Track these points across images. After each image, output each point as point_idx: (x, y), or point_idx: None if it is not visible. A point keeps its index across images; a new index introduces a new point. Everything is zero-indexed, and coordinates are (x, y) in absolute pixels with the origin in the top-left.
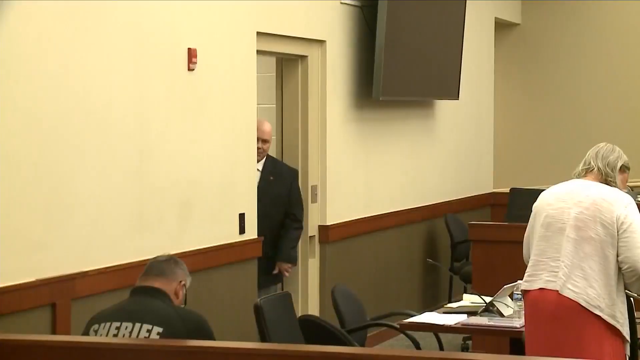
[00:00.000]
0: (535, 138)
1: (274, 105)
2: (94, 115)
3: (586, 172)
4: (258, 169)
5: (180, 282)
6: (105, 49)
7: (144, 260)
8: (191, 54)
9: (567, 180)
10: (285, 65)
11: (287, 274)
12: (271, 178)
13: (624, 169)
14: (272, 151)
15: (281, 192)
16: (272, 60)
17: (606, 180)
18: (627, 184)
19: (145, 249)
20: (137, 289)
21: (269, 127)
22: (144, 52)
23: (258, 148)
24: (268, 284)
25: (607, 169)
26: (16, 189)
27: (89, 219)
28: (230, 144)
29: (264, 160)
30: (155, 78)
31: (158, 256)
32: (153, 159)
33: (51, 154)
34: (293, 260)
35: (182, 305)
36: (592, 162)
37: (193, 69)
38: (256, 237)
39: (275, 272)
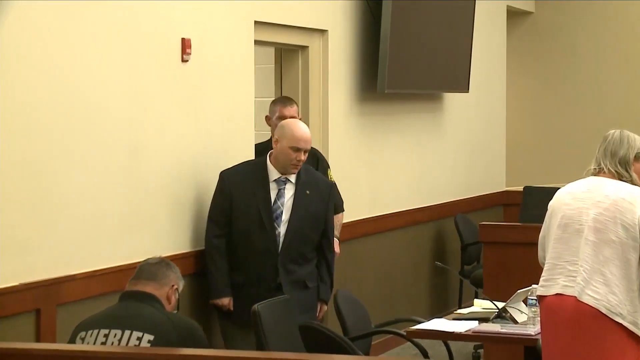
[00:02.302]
0: (550, 133)
1: (273, 99)
2: (81, 110)
3: (599, 172)
4: (289, 180)
5: (173, 286)
6: (93, 40)
7: (134, 263)
8: (185, 45)
9: (584, 178)
10: (285, 56)
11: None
12: (307, 192)
13: (639, 157)
14: None
15: (319, 210)
16: (271, 51)
17: (620, 180)
18: None
19: (135, 251)
20: (126, 293)
21: (308, 132)
22: (134, 43)
23: (297, 160)
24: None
25: (619, 167)
26: None
27: (76, 220)
28: (227, 139)
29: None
30: (146, 70)
31: (149, 259)
32: (145, 156)
33: (36, 150)
34: (323, 294)
35: (175, 311)
36: (601, 162)
37: (187, 61)
38: None
39: (319, 314)
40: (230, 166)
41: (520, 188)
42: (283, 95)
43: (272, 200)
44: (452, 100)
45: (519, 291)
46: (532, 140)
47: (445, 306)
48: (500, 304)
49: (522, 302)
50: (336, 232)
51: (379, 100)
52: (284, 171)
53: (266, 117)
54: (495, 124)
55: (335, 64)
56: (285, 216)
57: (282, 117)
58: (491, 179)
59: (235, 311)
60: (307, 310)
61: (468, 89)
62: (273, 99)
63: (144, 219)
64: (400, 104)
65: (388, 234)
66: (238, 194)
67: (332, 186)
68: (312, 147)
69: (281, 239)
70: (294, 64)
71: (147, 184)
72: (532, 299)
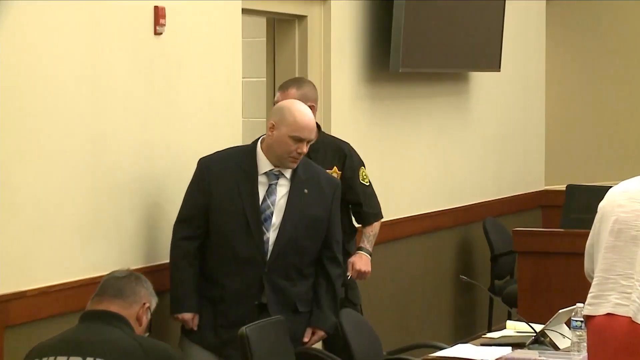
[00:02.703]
0: (600, 121)
1: (264, 79)
2: (34, 92)
3: None
4: (283, 174)
5: (144, 304)
6: (49, 9)
7: (97, 277)
8: (158, 14)
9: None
10: (279, 28)
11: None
12: (305, 191)
13: None
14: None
15: (320, 215)
16: (262, 22)
17: None
18: None
19: (99, 263)
20: (88, 314)
21: (313, 119)
22: (99, 12)
23: (297, 152)
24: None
25: None
26: None
27: (27, 226)
28: (208, 128)
29: None
30: (113, 44)
31: (115, 271)
32: (110, 148)
33: None
34: (332, 329)
35: (146, 335)
36: None
37: (161, 33)
38: None
39: (306, 340)
40: (211, 153)
41: (563, 187)
42: (293, 78)
43: (261, 197)
44: (481, 80)
45: (560, 311)
46: (577, 130)
47: (472, 329)
48: (539, 327)
49: (564, 325)
50: (368, 246)
51: (391, 82)
52: (278, 163)
53: (275, 103)
54: (532, 110)
55: (339, 38)
56: (276, 219)
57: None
58: (527, 175)
59: (202, 332)
60: (295, 338)
61: (499, 67)
62: (264, 79)
63: (108, 223)
64: (417, 85)
65: (402, 243)
66: (219, 187)
67: (338, 186)
68: (338, 139)
69: (270, 247)
70: (290, 38)
71: (113, 181)
72: (576, 321)
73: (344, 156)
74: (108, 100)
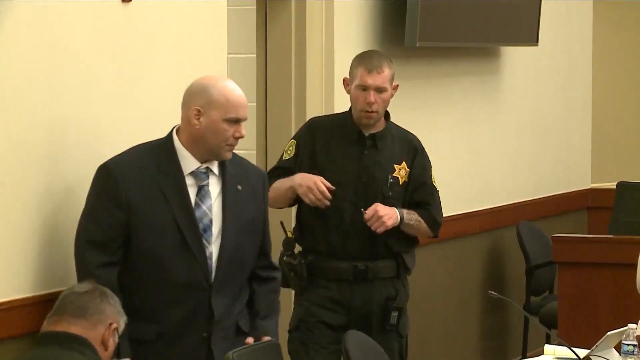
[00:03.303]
0: None
1: (254, 55)
2: None
3: None
4: (212, 171)
5: (110, 324)
6: None
7: (55, 293)
8: None
9: None
10: None
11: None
12: (239, 187)
13: None
14: (251, 128)
15: (256, 215)
16: None
17: None
18: None
19: (56, 276)
20: (44, 336)
21: (243, 97)
22: None
23: (235, 138)
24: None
25: None
26: None
27: None
28: None
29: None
30: (72, 13)
31: (76, 286)
32: (69, 137)
33: None
34: (272, 333)
35: None
36: None
37: (130, 1)
38: None
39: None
40: (114, 155)
41: (613, 185)
42: (373, 51)
43: (193, 204)
44: (514, 56)
45: (609, 333)
46: (631, 117)
47: (503, 355)
48: (583, 352)
49: (613, 349)
50: (406, 214)
51: (407, 58)
52: (208, 156)
53: (344, 80)
54: (576, 92)
55: (344, 6)
56: (215, 227)
57: (364, 88)
58: (570, 171)
59: None
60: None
61: (537, 41)
62: (254, 55)
63: (68, 228)
64: (438, 63)
65: (421, 251)
66: (139, 198)
67: (266, 178)
68: (407, 131)
69: (214, 264)
70: (285, 6)
71: (73, 177)
72: (628, 345)
73: (414, 151)
74: (66, 79)
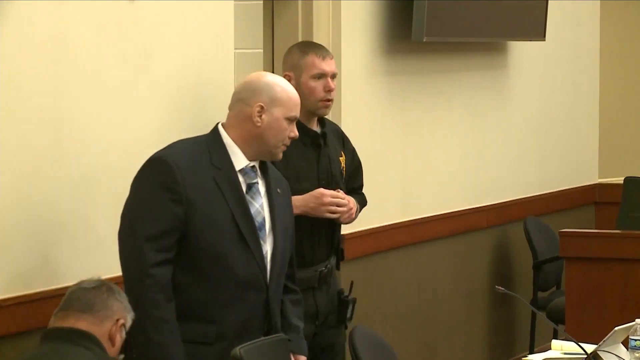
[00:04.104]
0: None
1: (261, 51)
2: None
3: None
4: (258, 170)
5: (118, 321)
6: None
7: (62, 289)
8: None
9: None
10: None
11: None
12: (278, 191)
13: None
14: None
15: (290, 220)
16: None
17: None
18: None
19: (63, 271)
20: (51, 332)
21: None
22: None
23: (290, 137)
24: None
25: None
26: None
27: None
28: (195, 108)
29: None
30: (78, 10)
31: (83, 281)
32: (76, 135)
33: None
34: (306, 352)
35: (120, 357)
36: None
37: None
38: None
39: None
40: (165, 147)
41: (620, 180)
42: (303, 42)
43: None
44: (521, 51)
45: (616, 328)
46: (637, 114)
47: (511, 350)
48: (590, 347)
49: (621, 345)
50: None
51: (414, 53)
52: (261, 156)
53: (285, 76)
54: (584, 87)
55: (352, 1)
56: (267, 226)
57: (321, 75)
58: (577, 166)
59: None
60: None
61: (544, 36)
62: (260, 50)
63: (75, 225)
64: (444, 58)
65: (427, 246)
66: (196, 191)
67: (287, 184)
68: (331, 121)
69: (268, 264)
70: (292, 1)
71: (79, 174)
72: (635, 340)
73: (343, 137)
74: (73, 76)
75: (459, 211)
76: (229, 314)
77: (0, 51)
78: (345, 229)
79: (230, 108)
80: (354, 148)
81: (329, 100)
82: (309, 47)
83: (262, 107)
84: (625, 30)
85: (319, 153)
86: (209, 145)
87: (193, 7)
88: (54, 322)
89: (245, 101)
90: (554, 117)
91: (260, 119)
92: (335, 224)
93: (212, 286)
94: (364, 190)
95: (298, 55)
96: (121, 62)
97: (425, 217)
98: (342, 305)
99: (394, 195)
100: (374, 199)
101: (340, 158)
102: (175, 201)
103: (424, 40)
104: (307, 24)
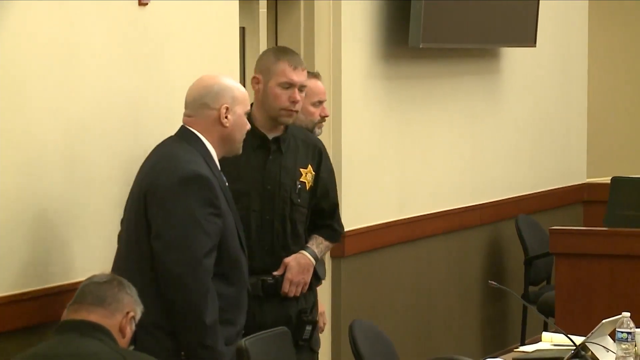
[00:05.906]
0: None
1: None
2: None
3: None
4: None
5: (128, 313)
6: None
7: (75, 283)
8: None
9: None
10: None
11: None
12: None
13: None
14: None
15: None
16: None
17: None
18: None
19: (75, 267)
20: (64, 324)
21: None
22: None
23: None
24: None
25: None
26: None
27: None
28: None
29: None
30: (90, 16)
31: (95, 276)
32: (86, 137)
33: None
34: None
35: (130, 347)
36: None
37: (146, 3)
38: None
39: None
40: (181, 160)
41: (607, 179)
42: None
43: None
44: (514, 57)
45: (604, 321)
46: (625, 115)
47: (503, 342)
48: (579, 339)
49: (608, 337)
50: (316, 250)
51: (411, 59)
52: (227, 154)
53: (254, 78)
54: (573, 91)
55: (351, 8)
56: None
57: (289, 85)
58: (567, 166)
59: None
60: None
61: (535, 42)
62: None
63: (87, 223)
64: (440, 63)
65: (423, 243)
66: (222, 202)
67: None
68: (311, 135)
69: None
70: (294, 9)
71: (90, 174)
72: (622, 332)
73: (320, 154)
74: (84, 80)
75: (454, 209)
76: (242, 316)
77: (12, 55)
78: (345, 226)
79: (190, 115)
80: (332, 169)
81: (292, 110)
82: (284, 53)
83: (227, 109)
84: (612, 35)
85: (267, 158)
86: (202, 154)
87: (201, 13)
88: (67, 315)
89: (210, 105)
90: (545, 120)
91: (227, 119)
92: (287, 234)
93: (235, 290)
94: (363, 190)
95: (271, 60)
96: (131, 66)
97: (421, 215)
98: (299, 324)
99: (392, 195)
100: (373, 198)
101: (303, 170)
102: (217, 215)
103: (421, 46)
104: (308, 31)
